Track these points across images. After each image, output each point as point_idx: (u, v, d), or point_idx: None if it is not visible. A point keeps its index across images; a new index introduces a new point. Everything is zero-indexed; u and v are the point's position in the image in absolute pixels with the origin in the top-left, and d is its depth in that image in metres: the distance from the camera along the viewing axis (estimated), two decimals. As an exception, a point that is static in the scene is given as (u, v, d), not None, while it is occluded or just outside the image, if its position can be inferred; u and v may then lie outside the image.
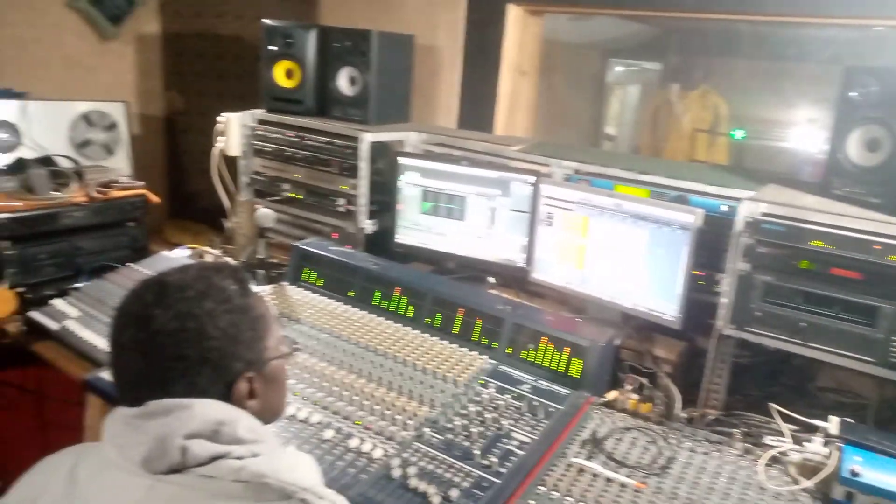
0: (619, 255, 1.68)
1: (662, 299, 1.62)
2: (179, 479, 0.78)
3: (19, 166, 2.19)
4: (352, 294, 1.86)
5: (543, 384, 1.49)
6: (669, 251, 1.59)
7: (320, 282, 1.93)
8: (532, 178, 1.87)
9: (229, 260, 2.19)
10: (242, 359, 0.88)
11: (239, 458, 0.80)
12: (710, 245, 1.58)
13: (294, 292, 1.90)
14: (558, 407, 1.41)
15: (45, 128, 2.37)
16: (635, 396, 1.45)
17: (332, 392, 1.46)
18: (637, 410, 1.43)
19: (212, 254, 2.23)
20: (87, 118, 2.47)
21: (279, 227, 2.26)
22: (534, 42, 2.62)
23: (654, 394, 1.48)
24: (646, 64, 6.05)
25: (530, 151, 2.00)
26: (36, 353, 1.92)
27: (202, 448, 0.79)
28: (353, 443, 1.31)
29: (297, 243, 2.03)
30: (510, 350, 1.58)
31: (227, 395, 0.87)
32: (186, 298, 0.86)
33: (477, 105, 2.53)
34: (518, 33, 2.52)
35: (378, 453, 1.28)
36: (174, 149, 3.23)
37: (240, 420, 0.85)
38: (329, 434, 1.33)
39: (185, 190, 3.13)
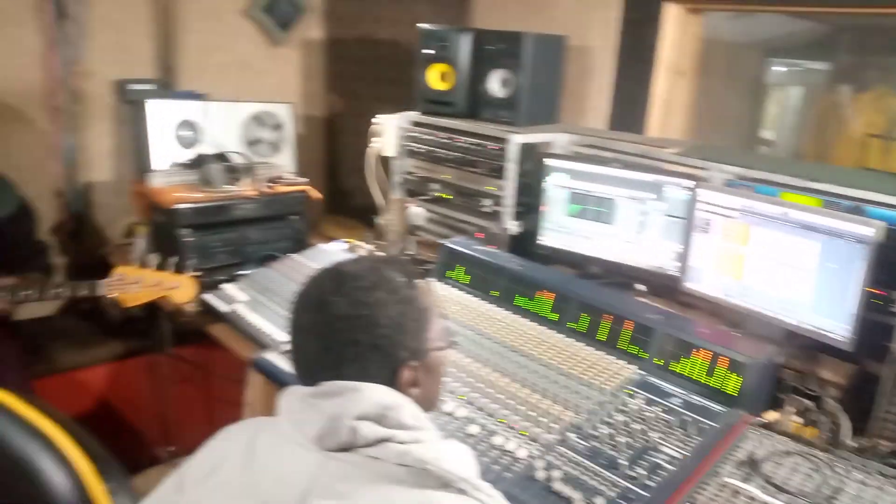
0: (784, 267, 1.58)
1: (832, 317, 1.50)
2: (348, 458, 0.84)
3: (199, 161, 2.41)
4: (495, 293, 1.88)
5: (696, 399, 1.43)
6: (843, 266, 1.47)
7: (466, 279, 1.96)
8: (689, 183, 1.79)
9: (386, 254, 2.28)
10: (407, 348, 0.93)
11: (402, 442, 0.85)
12: (890, 261, 1.44)
13: (440, 289, 1.95)
14: (712, 424, 1.35)
15: (221, 126, 2.59)
16: (798, 419, 1.36)
17: (476, 388, 1.49)
18: (800, 434, 1.34)
19: (365, 248, 2.34)
20: (257, 118, 2.66)
21: (427, 225, 2.33)
22: (692, 41, 2.52)
23: (818, 418, 1.38)
24: (810, 64, 5.61)
25: (687, 154, 1.92)
26: (207, 333, 2.12)
27: (370, 430, 0.85)
28: (498, 440, 1.32)
29: (444, 241, 2.08)
30: (660, 361, 1.53)
31: (391, 382, 0.92)
32: (360, 288, 0.92)
33: (629, 106, 2.47)
34: (676, 32, 2.43)
35: (522, 453, 1.28)
36: (332, 148, 3.42)
37: (404, 406, 0.89)
38: (474, 429, 1.36)
39: (340, 187, 3.30)
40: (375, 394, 0.88)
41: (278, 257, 2.28)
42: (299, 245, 2.42)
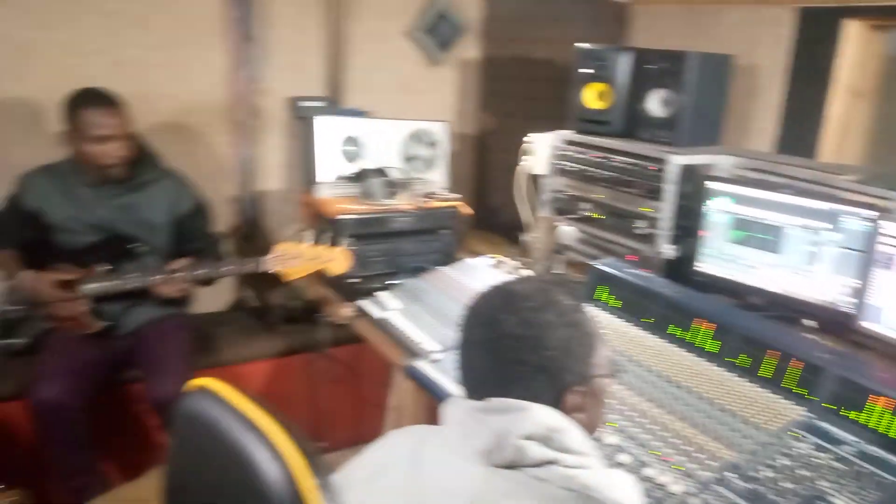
0: (984, 312, 1.42)
1: None
2: (514, 476, 0.85)
3: (361, 175, 2.55)
4: (647, 320, 1.83)
5: (873, 450, 1.31)
6: None
7: (616, 303, 1.93)
8: (871, 214, 1.66)
9: (533, 273, 2.29)
10: (573, 372, 0.93)
11: (568, 466, 0.85)
12: None
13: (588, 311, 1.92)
14: (893, 479, 1.24)
15: (381, 142, 2.72)
16: None
17: (627, 416, 1.46)
18: None
19: (511, 265, 2.37)
20: (415, 135, 2.77)
21: (576, 244, 2.32)
22: (874, 60, 2.33)
23: None
24: None
25: (868, 182, 1.78)
26: (361, 337, 2.23)
27: (536, 451, 0.86)
28: (650, 472, 1.29)
29: (594, 262, 2.06)
30: (831, 405, 1.42)
31: (556, 405, 0.92)
32: (529, 308, 0.93)
33: (799, 129, 2.33)
34: (856, 51, 2.26)
35: (677, 488, 1.24)
36: (481, 165, 3.49)
37: (570, 430, 0.90)
38: (624, 458, 1.33)
39: (487, 203, 3.36)
40: (542, 415, 0.89)
41: (428, 269, 2.36)
42: (448, 258, 2.49)
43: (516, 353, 0.92)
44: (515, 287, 0.99)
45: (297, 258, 2.16)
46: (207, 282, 2.34)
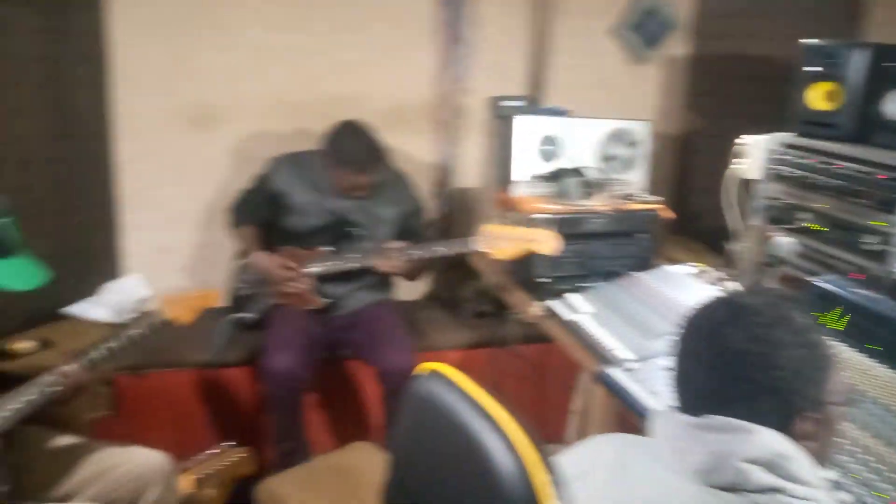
0: None
1: None
2: (732, 499, 0.81)
3: (558, 174, 2.54)
4: (874, 347, 1.63)
5: None
6: None
7: (838, 326, 1.74)
8: None
9: (740, 285, 2.15)
10: (805, 396, 0.86)
11: (796, 497, 0.79)
12: None
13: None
14: None
15: (579, 142, 2.69)
16: None
17: (848, 450, 1.32)
18: None
19: (715, 276, 2.23)
20: (614, 135, 2.71)
21: (790, 258, 2.13)
22: None
23: None
24: None
25: None
26: (549, 337, 2.23)
27: (760, 476, 0.80)
28: (874, 516, 1.16)
29: (813, 279, 1.88)
30: None
31: (784, 429, 0.86)
32: (759, 323, 0.88)
33: None
34: None
35: (908, 539, 1.11)
36: (684, 167, 3.33)
37: (800, 459, 0.83)
38: (844, 497, 1.21)
39: (688, 208, 3.20)
40: (770, 439, 0.83)
41: (622, 274, 2.29)
42: (644, 264, 2.40)
43: (742, 371, 0.87)
44: (744, 300, 0.93)
45: (504, 238, 2.19)
46: (420, 267, 2.45)
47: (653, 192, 2.59)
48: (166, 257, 2.85)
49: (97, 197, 2.69)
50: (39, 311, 2.52)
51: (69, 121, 2.52)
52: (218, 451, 1.57)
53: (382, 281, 2.48)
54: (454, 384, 0.91)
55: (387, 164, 2.51)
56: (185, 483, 1.45)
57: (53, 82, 2.45)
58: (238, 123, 2.80)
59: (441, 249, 2.34)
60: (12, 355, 2.33)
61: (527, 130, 2.65)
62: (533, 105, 2.96)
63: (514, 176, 2.59)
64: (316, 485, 1.93)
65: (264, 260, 2.41)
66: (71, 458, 1.73)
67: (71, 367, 1.62)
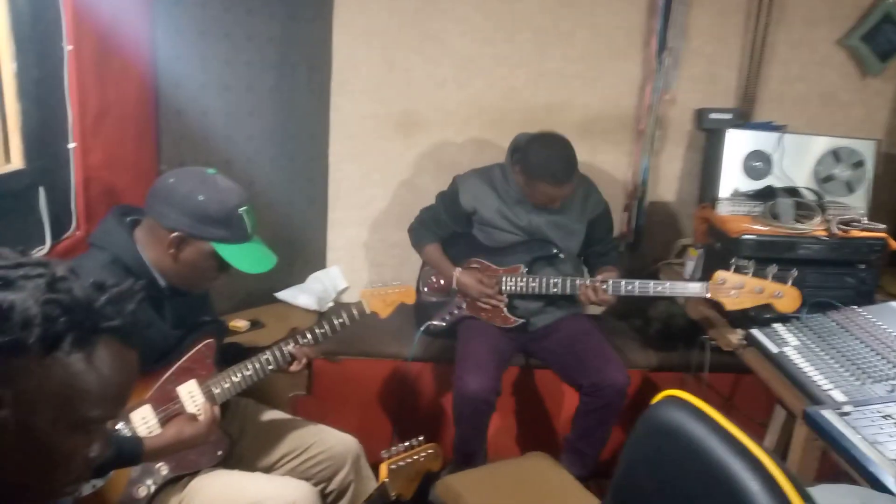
0: None
1: None
2: None
3: (768, 193, 2.37)
4: None
5: None
6: None
7: None
8: None
9: None
10: None
11: None
12: None
13: None
14: None
15: (793, 160, 2.49)
16: None
17: None
18: None
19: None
20: (835, 154, 2.48)
21: None
22: None
23: None
24: None
25: None
26: (744, 368, 2.08)
27: None
28: None
29: None
30: None
31: None
32: None
33: None
34: None
35: None
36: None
37: None
38: None
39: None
40: None
41: (837, 307, 2.08)
42: (863, 298, 2.17)
43: None
44: None
45: (740, 289, 2.07)
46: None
47: (875, 219, 2.33)
48: (363, 253, 3.04)
49: (313, 193, 2.93)
50: (254, 294, 2.79)
51: (294, 123, 2.76)
52: (412, 443, 1.63)
53: (573, 295, 2.43)
54: (698, 412, 0.86)
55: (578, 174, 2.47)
56: (382, 471, 1.53)
57: (284, 87, 2.69)
58: (439, 131, 2.91)
59: (657, 288, 2.22)
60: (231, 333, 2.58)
61: (735, 145, 2.50)
62: (742, 118, 2.78)
63: (720, 193, 2.46)
64: (493, 488, 1.95)
65: (460, 276, 2.44)
66: (275, 431, 1.89)
67: (288, 347, 1.77)
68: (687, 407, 0.88)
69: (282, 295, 2.84)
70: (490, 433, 2.36)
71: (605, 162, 2.92)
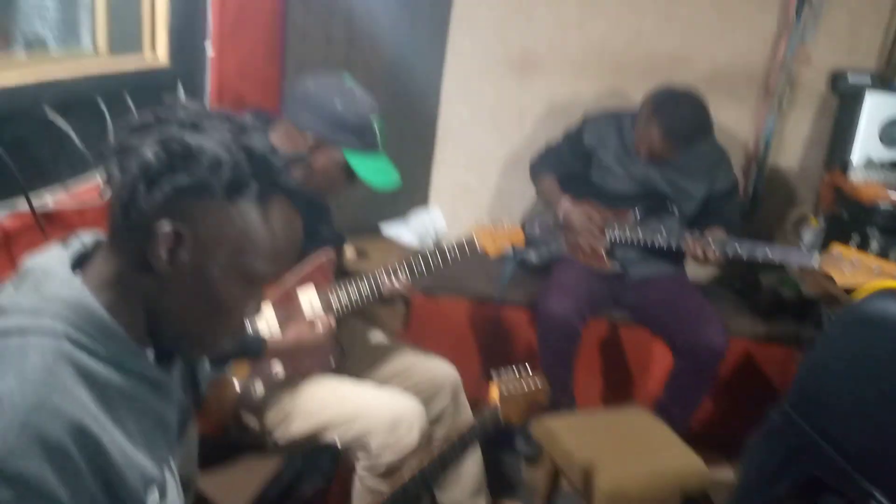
0: None
1: None
2: None
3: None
4: None
5: None
6: None
7: None
8: None
9: None
10: None
11: None
12: None
13: None
14: None
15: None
16: None
17: None
18: None
19: None
20: None
21: None
22: None
23: None
24: None
25: None
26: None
27: None
28: None
29: None
30: None
31: None
32: None
33: None
34: None
35: None
36: None
37: None
38: None
39: None
40: None
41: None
42: None
43: None
44: None
45: (857, 266, 1.92)
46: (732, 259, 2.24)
47: None
48: (466, 196, 3.01)
49: (423, 130, 2.90)
50: (359, 224, 2.81)
51: (411, 54, 2.72)
52: (521, 371, 1.58)
53: (677, 253, 2.34)
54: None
55: (709, 138, 2.34)
56: (492, 393, 1.50)
57: (405, 17, 2.64)
58: (556, 74, 2.83)
59: (768, 253, 2.11)
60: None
61: (875, 109, 2.33)
62: (885, 82, 2.58)
63: (854, 159, 2.30)
64: (591, 435, 1.92)
65: (570, 206, 2.40)
66: (380, 353, 1.91)
67: (400, 273, 1.76)
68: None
69: (387, 228, 2.85)
70: (577, 384, 2.32)
71: (727, 119, 2.75)
